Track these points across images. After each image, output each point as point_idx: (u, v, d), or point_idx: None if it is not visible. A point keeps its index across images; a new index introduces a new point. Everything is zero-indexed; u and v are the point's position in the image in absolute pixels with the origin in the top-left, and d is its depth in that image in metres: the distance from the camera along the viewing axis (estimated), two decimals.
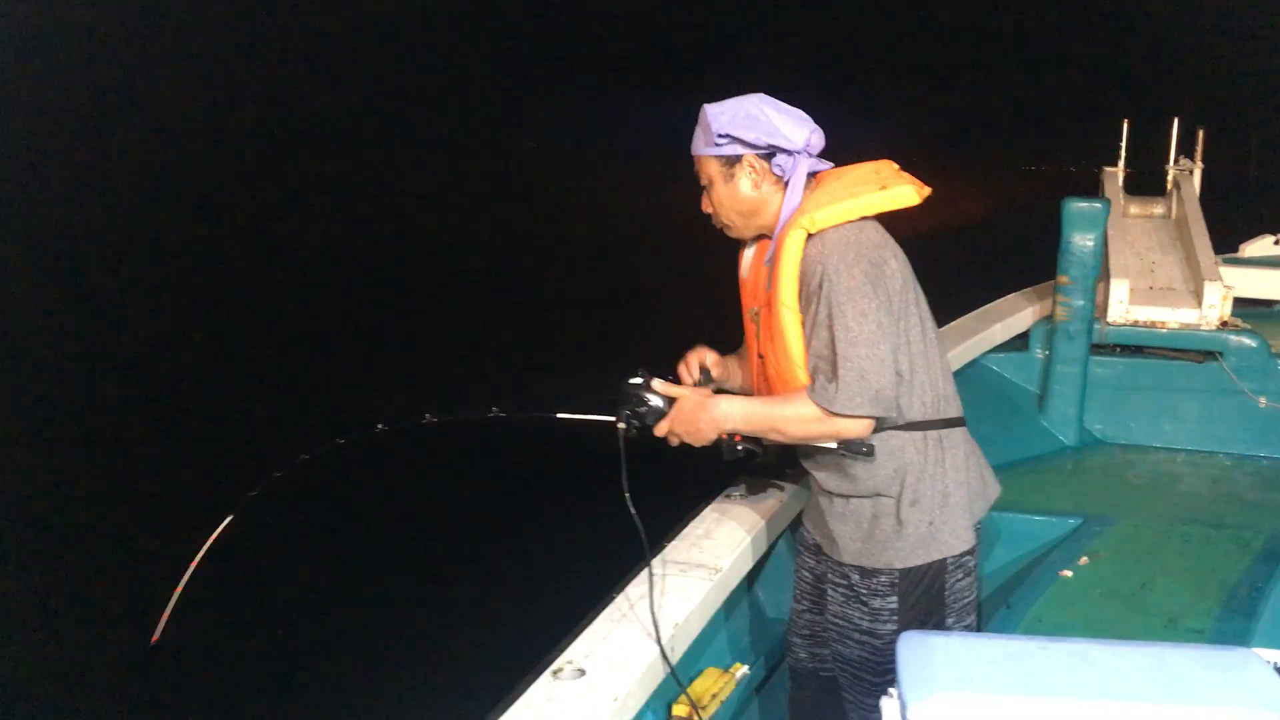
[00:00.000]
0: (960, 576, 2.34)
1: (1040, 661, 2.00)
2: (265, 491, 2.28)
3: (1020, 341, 4.66)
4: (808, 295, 2.20)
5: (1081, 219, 4.26)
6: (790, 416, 2.18)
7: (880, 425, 2.23)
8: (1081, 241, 4.26)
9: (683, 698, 2.65)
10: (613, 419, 2.39)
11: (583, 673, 2.24)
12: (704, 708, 2.64)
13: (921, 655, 2.04)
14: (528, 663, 2.27)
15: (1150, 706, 1.84)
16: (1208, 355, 4.28)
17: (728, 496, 3.04)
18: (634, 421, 2.36)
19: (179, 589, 2.22)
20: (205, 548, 2.27)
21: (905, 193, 2.26)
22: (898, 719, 2.02)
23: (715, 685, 2.72)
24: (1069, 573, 3.18)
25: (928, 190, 2.30)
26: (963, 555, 2.33)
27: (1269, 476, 3.97)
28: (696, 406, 2.27)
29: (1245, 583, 3.08)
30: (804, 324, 2.22)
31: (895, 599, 2.29)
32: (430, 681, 3.52)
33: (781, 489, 3.03)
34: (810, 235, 2.20)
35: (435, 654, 4.04)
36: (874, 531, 2.31)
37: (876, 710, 2.33)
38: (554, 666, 2.26)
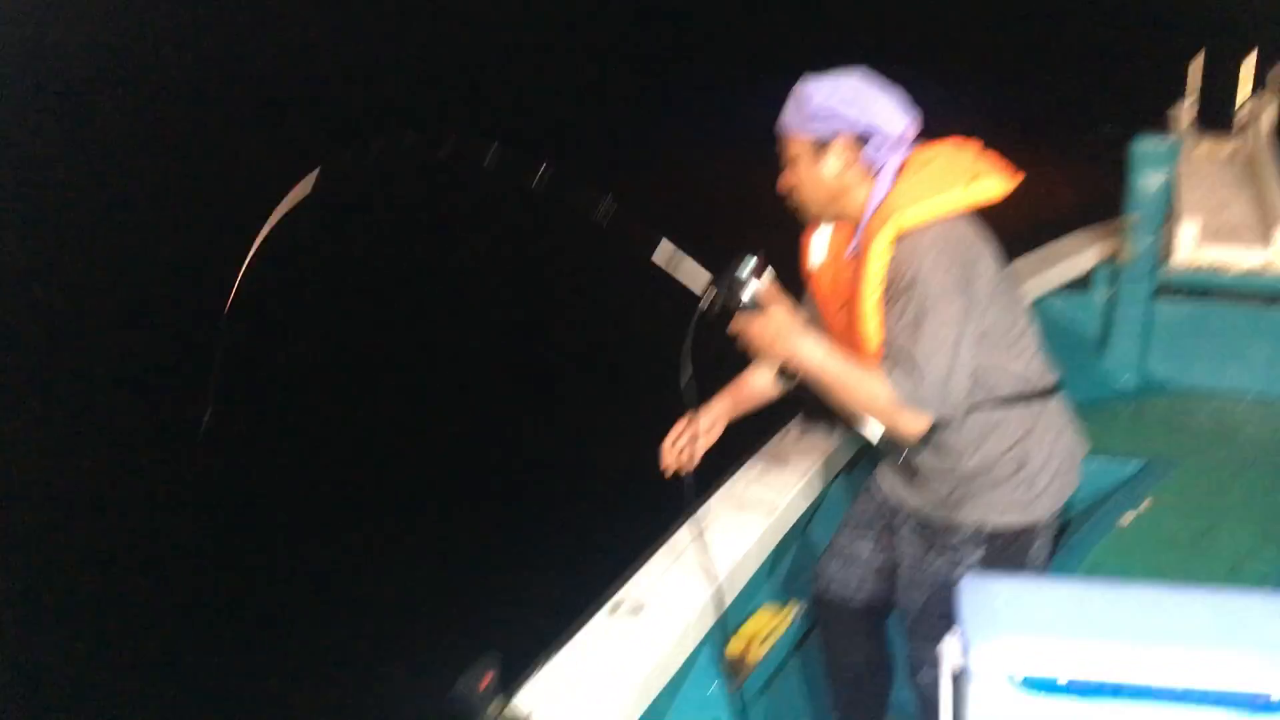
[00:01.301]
0: (1046, 539, 2.32)
1: (1105, 606, 1.98)
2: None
3: (1082, 283, 4.56)
4: (895, 292, 2.14)
5: (1150, 157, 4.15)
6: (863, 388, 2.12)
7: (977, 402, 2.22)
8: (1150, 180, 4.15)
9: (737, 635, 2.67)
10: (700, 291, 2.21)
11: (640, 609, 2.26)
12: (759, 644, 2.65)
13: (984, 598, 2.03)
14: (584, 599, 2.29)
15: (1217, 652, 1.82)
16: (1276, 299, 4.18)
17: (785, 435, 3.03)
18: (721, 302, 2.18)
19: (253, 250, 2.15)
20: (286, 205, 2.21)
21: (993, 184, 2.18)
22: (959, 660, 2.02)
23: (769, 624, 2.72)
24: (1129, 517, 3.14)
25: (1017, 178, 2.22)
26: (1051, 520, 2.31)
27: None
28: (785, 326, 2.16)
29: None
30: (885, 318, 2.17)
31: (981, 553, 2.28)
32: (486, 617, 3.54)
33: (839, 431, 3.00)
34: (899, 235, 2.15)
35: (491, 590, 4.06)
36: (969, 493, 2.29)
37: (933, 657, 2.33)
38: (611, 603, 2.28)
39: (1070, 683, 1.84)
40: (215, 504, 4.92)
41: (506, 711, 1.82)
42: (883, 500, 2.49)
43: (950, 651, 2.05)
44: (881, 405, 2.11)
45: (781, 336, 2.16)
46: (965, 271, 2.13)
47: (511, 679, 2.01)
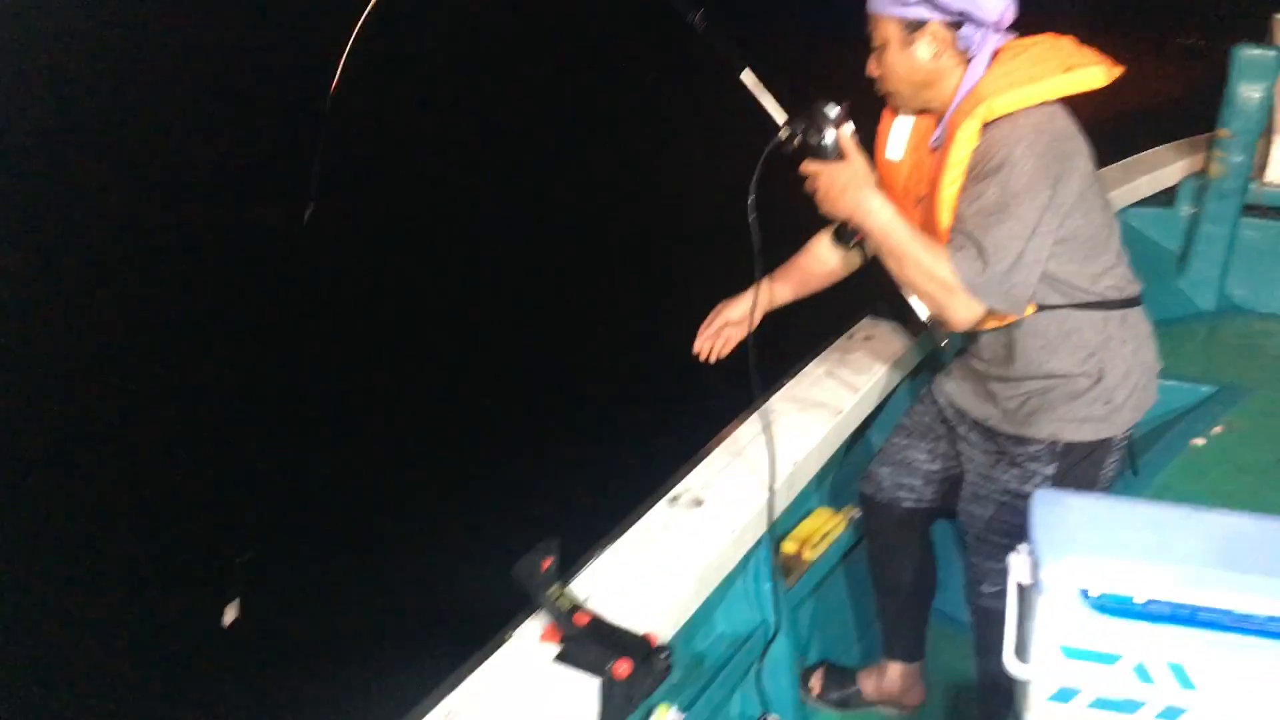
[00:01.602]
0: (1118, 456, 2.25)
1: (1183, 529, 1.91)
2: None
3: (1165, 197, 4.38)
4: (980, 174, 2.02)
5: (1252, 68, 3.94)
6: (923, 262, 2.02)
7: (1053, 305, 2.12)
8: (1249, 93, 3.95)
9: (791, 536, 2.63)
10: (781, 125, 2.16)
11: (700, 503, 2.22)
12: (813, 546, 2.62)
13: (1057, 515, 1.96)
14: (644, 489, 2.25)
15: None
16: None
17: (850, 338, 2.95)
18: (799, 140, 2.11)
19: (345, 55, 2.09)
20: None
21: (1093, 74, 2.03)
22: (1026, 576, 1.96)
23: (823, 527, 2.68)
24: (1200, 441, 3.05)
25: (1118, 70, 2.08)
26: (1125, 435, 2.23)
27: None
28: (858, 177, 2.06)
29: None
30: (959, 201, 2.05)
31: (1054, 467, 2.20)
32: (549, 505, 3.51)
33: (906, 335, 2.92)
34: (987, 123, 2.02)
35: (554, 479, 4.02)
36: (1042, 405, 2.20)
37: (996, 571, 2.28)
38: (671, 494, 2.24)
39: (1147, 604, 1.78)
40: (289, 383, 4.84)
41: (563, 595, 1.79)
42: (944, 408, 2.41)
43: (1019, 566, 1.99)
44: (938, 285, 2.01)
45: (853, 188, 2.05)
46: (1058, 166, 2.01)
47: (570, 564, 1.99)
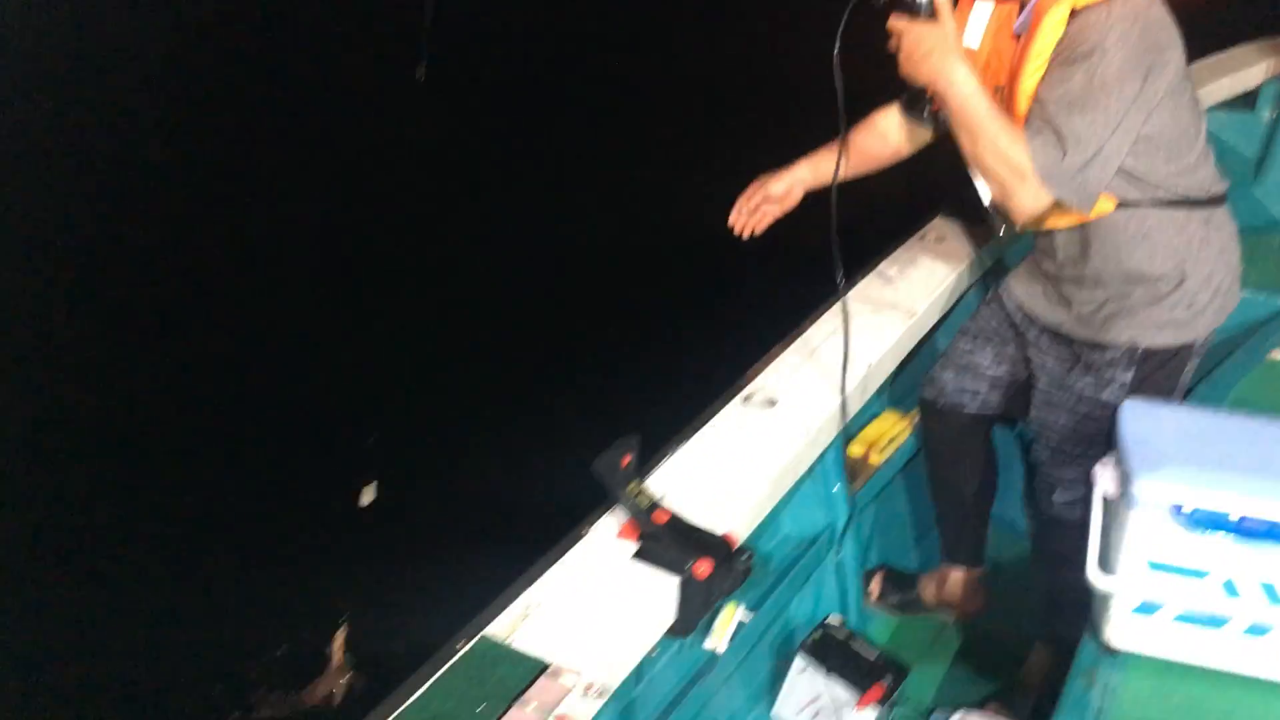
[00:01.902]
0: (1196, 362, 2.18)
1: (1276, 445, 1.85)
2: None
3: (1246, 100, 4.20)
4: (1067, 59, 1.90)
5: None
6: (1000, 143, 1.90)
7: (1134, 201, 2.02)
8: None
9: (858, 439, 2.59)
10: None
11: (773, 403, 2.17)
12: (880, 450, 2.57)
13: (1147, 426, 1.90)
14: (717, 388, 2.20)
15: None
16: None
17: (922, 238, 2.86)
18: None
19: None
20: None
21: None
22: (1112, 488, 1.91)
23: (890, 430, 2.64)
24: (1278, 354, 2.95)
25: None
26: (1207, 341, 2.15)
27: None
28: (947, 42, 1.94)
29: None
30: (1041, 86, 1.94)
31: (1131, 374, 2.13)
32: (627, 401, 3.44)
33: (980, 235, 2.83)
34: (1076, 9, 1.90)
35: (630, 375, 3.97)
36: (1120, 310, 2.12)
37: (1070, 480, 2.23)
38: (745, 393, 2.20)
39: (1241, 521, 1.73)
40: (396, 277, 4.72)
41: (642, 493, 1.76)
42: (1011, 312, 2.34)
43: (1105, 477, 1.94)
44: (1010, 169, 1.91)
45: (939, 52, 1.93)
46: (1150, 57, 1.90)
47: (646, 462, 1.95)
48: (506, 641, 1.57)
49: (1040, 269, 2.26)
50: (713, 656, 1.96)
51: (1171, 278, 2.09)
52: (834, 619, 2.36)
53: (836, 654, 2.27)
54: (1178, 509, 1.76)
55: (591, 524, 1.81)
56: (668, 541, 1.71)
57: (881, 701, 2.22)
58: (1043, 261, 2.24)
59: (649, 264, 5.02)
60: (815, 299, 2.50)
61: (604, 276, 4.99)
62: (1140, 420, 1.93)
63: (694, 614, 1.70)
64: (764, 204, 2.36)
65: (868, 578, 2.67)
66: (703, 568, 1.67)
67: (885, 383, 2.57)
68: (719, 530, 1.79)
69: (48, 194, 5.73)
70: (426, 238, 4.69)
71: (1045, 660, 2.42)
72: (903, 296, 2.58)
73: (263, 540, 3.43)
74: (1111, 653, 1.90)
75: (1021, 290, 2.32)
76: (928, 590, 2.68)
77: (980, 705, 2.35)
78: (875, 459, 2.55)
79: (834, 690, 2.24)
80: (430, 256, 4.73)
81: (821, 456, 2.24)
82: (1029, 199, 1.93)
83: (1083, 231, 2.09)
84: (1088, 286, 2.14)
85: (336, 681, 2.86)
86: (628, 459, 1.74)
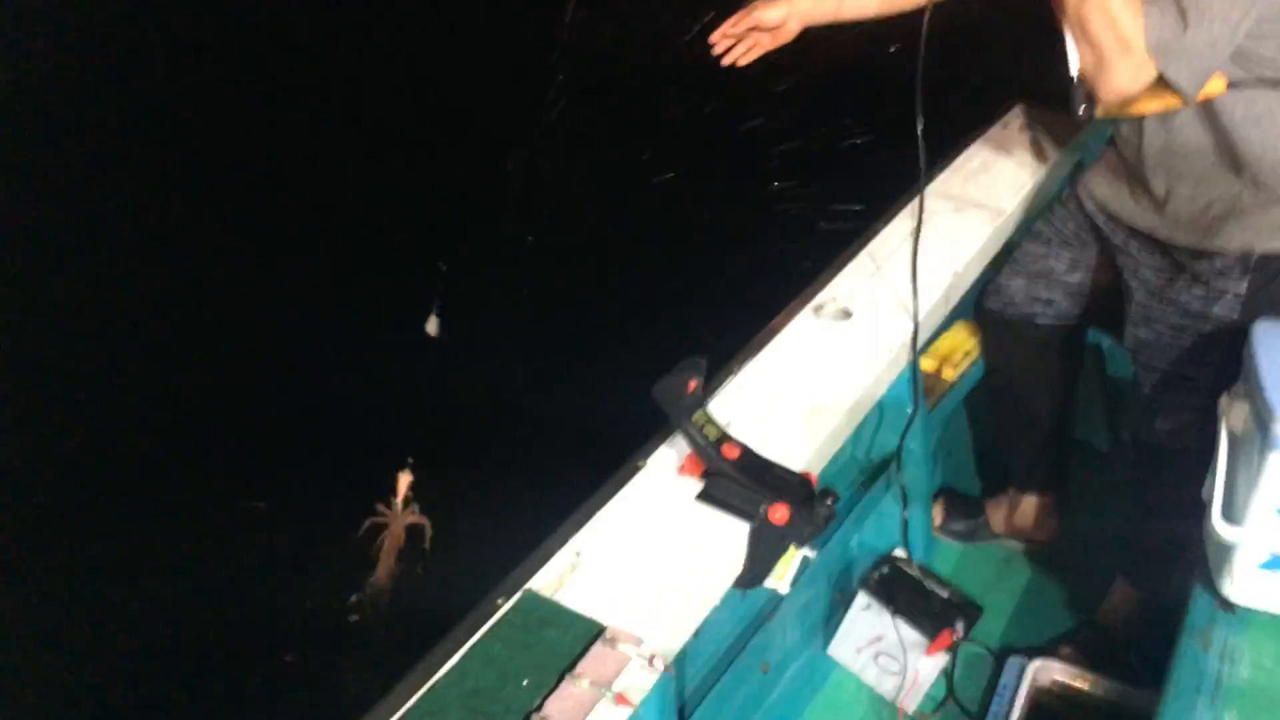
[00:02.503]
0: None
1: None
2: None
3: None
4: None
5: None
6: (1123, 24, 1.62)
7: (1238, 80, 1.72)
8: None
9: (932, 350, 2.34)
10: None
11: (848, 314, 1.92)
12: (955, 365, 2.32)
13: None
14: (786, 297, 1.95)
15: None
16: None
17: (1004, 127, 2.56)
18: None
19: None
20: None
21: None
22: (1242, 423, 1.67)
23: (967, 342, 2.38)
24: None
25: None
26: None
27: None
28: None
29: None
30: None
31: (1245, 284, 1.85)
32: (689, 313, 3.10)
33: (1066, 125, 2.52)
34: None
35: (694, 285, 3.55)
36: (1230, 211, 1.83)
37: (1174, 405, 1.98)
38: (815, 303, 1.94)
39: None
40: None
41: (710, 423, 1.51)
42: (1092, 214, 2.05)
43: (1235, 411, 1.70)
44: (1115, 37, 1.63)
45: None
46: None
47: (714, 376, 1.71)
48: (554, 597, 1.35)
49: (1126, 163, 1.97)
50: (774, 597, 1.75)
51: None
52: (900, 552, 2.15)
53: (905, 592, 2.06)
54: None
55: (648, 456, 1.57)
56: (739, 481, 1.47)
57: (952, 649, 2.02)
58: (1128, 153, 1.95)
59: (701, 158, 4.61)
60: (889, 195, 2.22)
61: (651, 179, 4.58)
62: (1275, 344, 1.68)
63: (766, 564, 1.48)
64: (754, 32, 2.04)
65: (932, 502, 2.45)
66: (779, 513, 1.44)
67: (961, 291, 2.30)
68: (794, 465, 1.56)
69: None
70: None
71: (1128, 599, 2.21)
72: (986, 194, 2.30)
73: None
74: (1229, 609, 1.68)
75: (1104, 189, 2.04)
76: (996, 517, 2.46)
77: (1055, 649, 2.15)
78: (949, 374, 2.31)
79: (901, 631, 2.04)
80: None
81: (896, 373, 2.00)
82: (1128, 76, 1.66)
83: (1179, 117, 1.79)
84: (1187, 183, 1.85)
85: (400, 529, 2.55)
86: (694, 384, 1.49)
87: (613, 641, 1.28)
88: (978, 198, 2.27)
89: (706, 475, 1.51)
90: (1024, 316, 2.20)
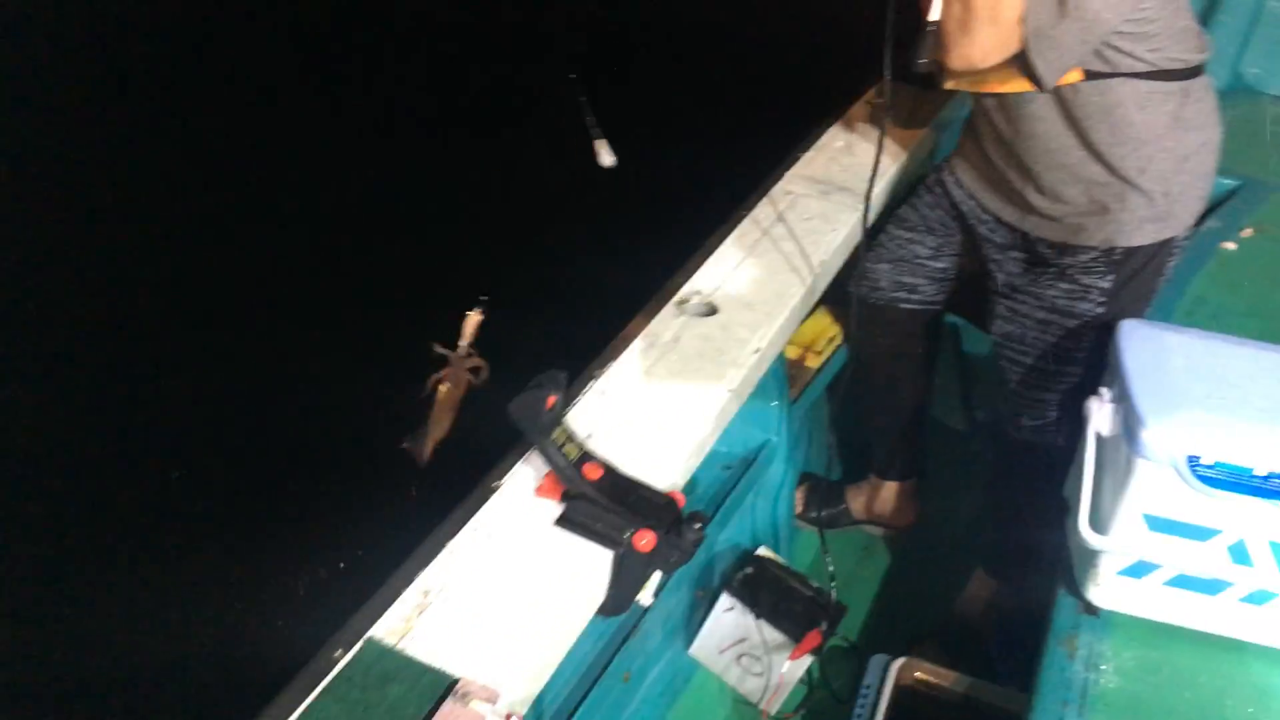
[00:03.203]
0: (1178, 256, 1.89)
1: None
2: None
3: None
4: None
5: None
6: None
7: (1101, 73, 1.69)
8: None
9: (794, 338, 2.28)
10: None
11: (713, 310, 1.82)
12: (818, 352, 2.27)
13: (1152, 356, 1.61)
14: (647, 291, 1.84)
15: None
16: None
17: (868, 103, 2.50)
18: None
19: None
20: None
21: None
22: (1109, 429, 1.64)
23: (830, 328, 2.33)
24: (1231, 245, 2.73)
25: None
26: (1190, 230, 1.87)
27: None
28: None
29: None
30: None
31: (1111, 279, 1.83)
32: (530, 316, 2.84)
33: (929, 102, 2.47)
34: None
35: (532, 284, 3.27)
36: (1092, 206, 1.81)
37: (1039, 402, 1.96)
38: (679, 297, 1.84)
39: (1268, 477, 1.48)
40: None
41: (570, 441, 1.40)
42: (960, 200, 2.02)
43: (1102, 415, 1.67)
44: (990, 12, 1.58)
45: None
46: None
47: (571, 385, 1.60)
48: (399, 646, 1.22)
49: (982, 151, 1.93)
50: (635, 609, 1.66)
51: (1157, 161, 1.77)
52: (764, 551, 2.09)
53: (769, 594, 2.01)
54: (1194, 461, 1.50)
55: (504, 476, 1.45)
56: (601, 504, 1.37)
57: (817, 651, 1.98)
58: (985, 140, 1.91)
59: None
60: (753, 178, 2.13)
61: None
62: (1143, 347, 1.65)
63: (630, 592, 1.38)
64: None
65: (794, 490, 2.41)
66: (645, 540, 1.34)
67: (826, 276, 2.24)
68: (662, 469, 1.47)
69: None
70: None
71: (986, 588, 2.21)
72: (850, 176, 2.23)
73: None
74: (1093, 613, 1.67)
75: (968, 177, 2.00)
76: (856, 503, 2.43)
77: (917, 643, 2.13)
78: (813, 362, 2.25)
79: (765, 633, 1.98)
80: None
81: (764, 366, 1.92)
82: (989, 45, 1.61)
83: (1030, 107, 1.76)
84: (1044, 176, 1.82)
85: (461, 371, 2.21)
86: (552, 400, 1.37)
87: (465, 697, 1.16)
88: (842, 180, 2.20)
89: (567, 497, 1.40)
90: (889, 301, 2.14)
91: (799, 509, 2.42)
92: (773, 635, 1.97)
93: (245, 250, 3.69)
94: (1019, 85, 1.70)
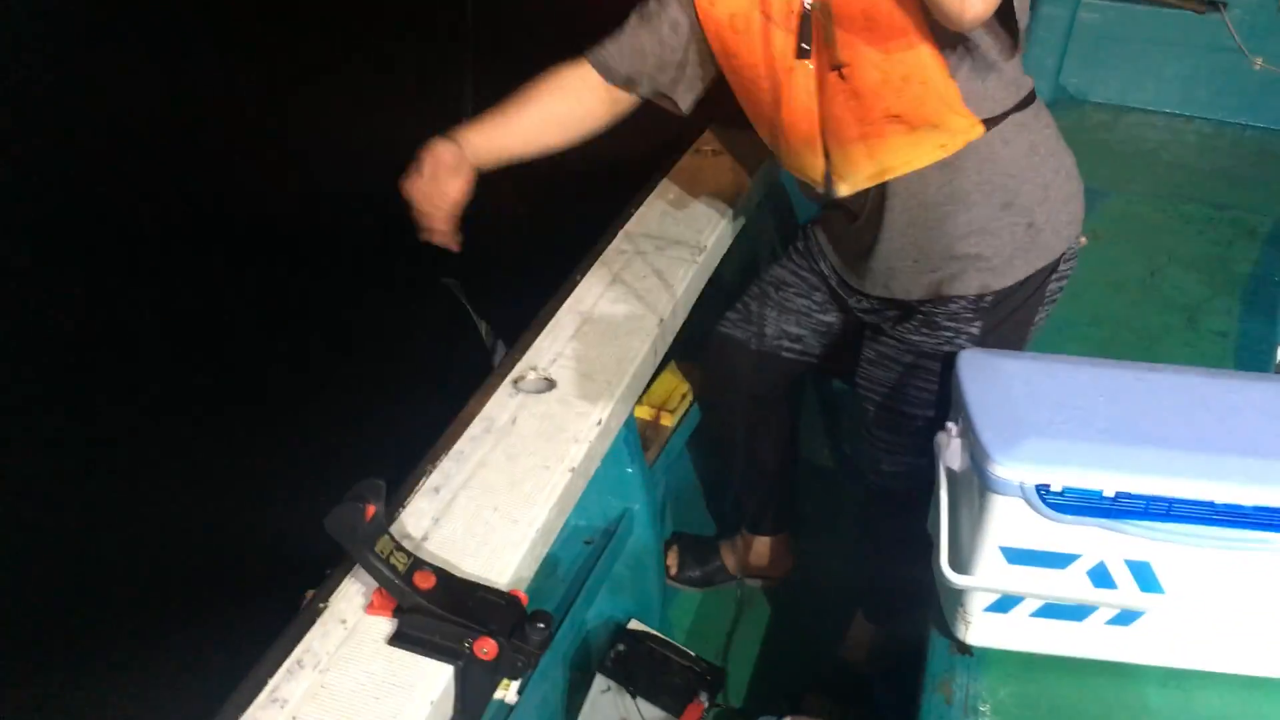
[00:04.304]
0: (1055, 281, 1.85)
1: (1140, 397, 1.58)
2: None
3: None
4: None
5: None
6: None
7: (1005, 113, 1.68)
8: None
9: (645, 399, 2.22)
10: None
11: (551, 384, 1.75)
12: (672, 410, 2.21)
13: (995, 384, 1.59)
14: (481, 370, 1.76)
15: None
16: (1211, 5, 3.76)
17: (696, 153, 2.47)
18: None
19: None
20: None
21: None
22: (959, 463, 1.61)
23: (681, 384, 2.28)
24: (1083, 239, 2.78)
25: None
26: (1065, 256, 1.83)
27: (1257, 149, 3.59)
28: None
29: (1260, 274, 2.76)
30: None
31: (978, 325, 1.80)
32: (349, 407, 2.69)
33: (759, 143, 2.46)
34: None
35: (347, 370, 3.15)
36: (972, 256, 1.76)
37: (899, 445, 1.92)
38: (513, 375, 1.76)
39: (1116, 498, 1.47)
40: None
41: (395, 552, 1.31)
42: (828, 274, 1.98)
43: (951, 451, 1.64)
44: None
45: None
46: None
47: (404, 482, 1.50)
48: None
49: (845, 231, 1.88)
50: (502, 707, 1.56)
51: (1010, 197, 1.73)
52: (635, 625, 2.01)
53: (644, 669, 1.93)
54: (1043, 490, 1.48)
55: (330, 595, 1.35)
56: (437, 615, 1.28)
57: None
58: (845, 224, 1.87)
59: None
60: (581, 246, 2.08)
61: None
62: (982, 376, 1.63)
63: (479, 703, 1.29)
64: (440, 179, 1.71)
65: (664, 550, 2.34)
66: (486, 647, 1.25)
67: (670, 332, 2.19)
68: (509, 564, 1.39)
69: None
70: None
71: (867, 634, 2.17)
72: (685, 230, 2.19)
73: None
74: (966, 651, 1.63)
75: (833, 254, 1.96)
76: (730, 559, 2.38)
77: (803, 696, 2.07)
78: (668, 421, 2.20)
79: (644, 712, 1.90)
80: None
81: (610, 434, 1.85)
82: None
83: (948, 171, 1.69)
84: (919, 240, 1.77)
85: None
86: (372, 510, 1.28)
87: None
88: (678, 234, 2.16)
89: (400, 612, 1.30)
90: (772, 349, 2.06)
91: (673, 571, 2.35)
92: (652, 712, 1.89)
93: None
94: (928, 154, 1.67)
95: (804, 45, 1.60)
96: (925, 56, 1.56)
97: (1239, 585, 1.51)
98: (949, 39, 1.56)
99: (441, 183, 1.69)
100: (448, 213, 1.71)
